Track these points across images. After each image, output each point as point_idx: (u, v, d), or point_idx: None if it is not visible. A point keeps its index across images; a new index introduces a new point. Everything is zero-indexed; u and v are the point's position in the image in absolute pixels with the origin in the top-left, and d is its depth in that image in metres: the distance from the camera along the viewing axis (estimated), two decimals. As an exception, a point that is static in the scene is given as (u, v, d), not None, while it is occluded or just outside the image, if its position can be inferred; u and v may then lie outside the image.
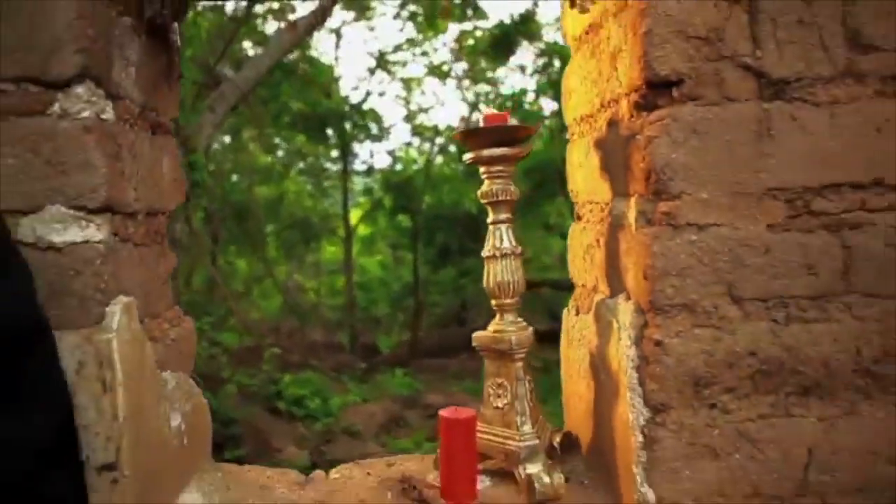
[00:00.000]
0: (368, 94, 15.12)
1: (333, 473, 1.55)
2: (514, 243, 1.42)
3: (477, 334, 1.45)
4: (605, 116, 1.37)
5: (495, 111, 1.42)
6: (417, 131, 14.68)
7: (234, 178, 12.37)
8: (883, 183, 1.18)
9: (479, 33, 12.17)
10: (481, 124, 1.41)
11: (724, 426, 1.18)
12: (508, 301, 1.42)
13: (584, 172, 1.52)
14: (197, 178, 7.19)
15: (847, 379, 1.19)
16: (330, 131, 12.95)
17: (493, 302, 1.44)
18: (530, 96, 12.28)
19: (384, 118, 16.52)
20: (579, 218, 1.58)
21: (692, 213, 1.15)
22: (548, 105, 11.70)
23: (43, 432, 0.78)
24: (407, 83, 14.28)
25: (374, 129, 14.16)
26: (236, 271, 13.46)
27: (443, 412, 1.37)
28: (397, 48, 13.44)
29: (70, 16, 1.04)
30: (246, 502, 1.38)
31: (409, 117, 14.64)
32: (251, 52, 10.40)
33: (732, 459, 1.18)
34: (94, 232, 1.07)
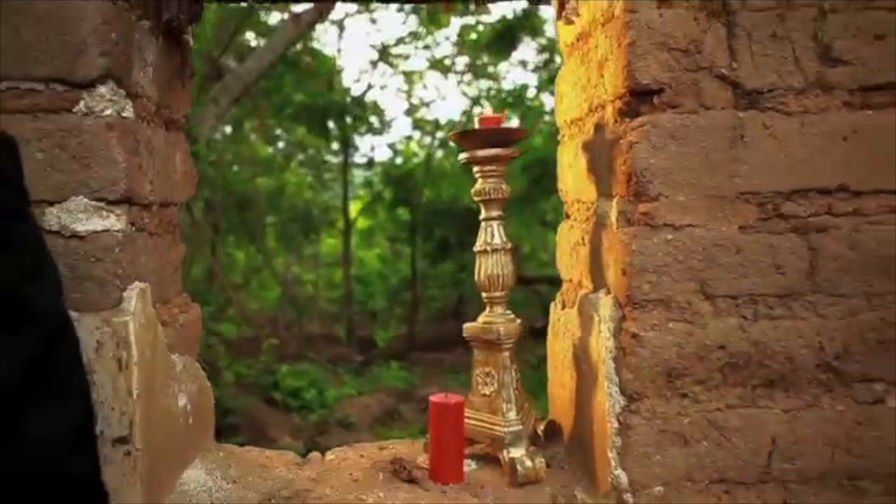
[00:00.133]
0: (370, 86, 15.16)
1: (329, 455, 1.63)
2: (504, 239, 1.50)
3: (468, 325, 1.53)
4: (593, 121, 1.45)
5: (491, 113, 1.50)
6: (418, 125, 14.73)
7: (235, 168, 12.42)
8: (848, 189, 1.26)
9: (481, 28, 12.22)
10: (476, 125, 1.49)
11: (694, 415, 1.26)
12: (498, 294, 1.51)
13: (572, 173, 1.61)
14: (198, 168, 7.25)
15: (810, 373, 1.27)
16: (331, 124, 12.98)
17: (484, 294, 1.52)
18: (531, 92, 12.36)
19: (385, 111, 16.55)
20: (567, 216, 1.67)
21: (669, 215, 1.24)
22: (549, 101, 11.78)
23: (79, 415, 0.85)
24: (409, 76, 14.33)
25: (375, 122, 14.21)
26: (235, 262, 13.52)
27: (433, 398, 1.46)
28: (399, 41, 13.47)
29: (96, 21, 1.13)
30: (247, 479, 1.46)
31: (411, 111, 14.69)
32: (254, 44, 10.45)
33: (701, 446, 1.26)
34: (114, 221, 1.16)
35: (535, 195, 9.48)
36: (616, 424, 1.27)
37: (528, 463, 1.42)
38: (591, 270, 1.45)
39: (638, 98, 1.24)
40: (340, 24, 13.05)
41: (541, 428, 1.58)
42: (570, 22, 1.44)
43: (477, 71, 13.41)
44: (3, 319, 0.73)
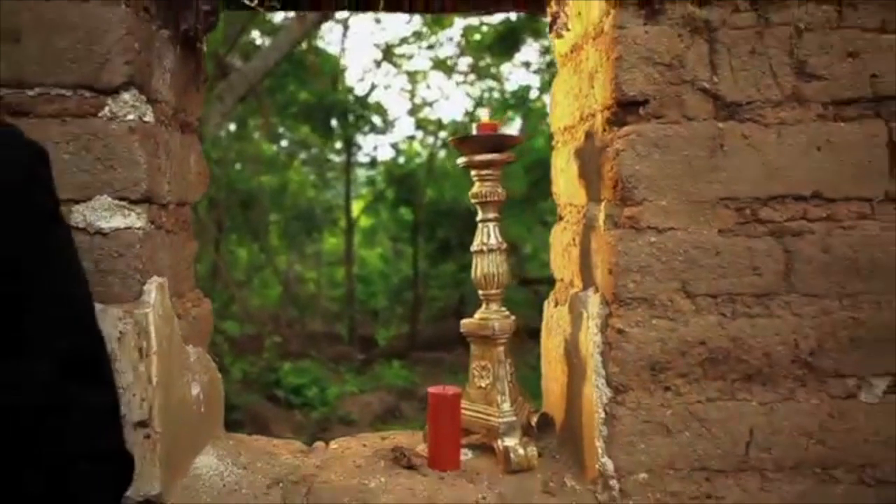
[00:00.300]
0: (374, 86, 15.21)
1: (333, 444, 1.70)
2: (499, 240, 1.58)
3: (464, 321, 1.61)
4: (584, 128, 1.53)
5: (489, 120, 1.58)
6: (421, 125, 14.78)
7: (238, 166, 12.50)
8: (822, 196, 1.34)
9: (484, 29, 12.29)
10: (474, 132, 1.57)
11: (676, 407, 1.33)
12: (493, 291, 1.59)
13: (565, 177, 1.69)
14: (205, 167, 7.33)
15: (786, 369, 1.34)
16: (335, 123, 13.05)
17: (480, 292, 1.60)
18: (534, 93, 12.42)
19: (388, 111, 16.61)
20: (561, 218, 1.75)
21: (653, 218, 1.32)
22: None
23: (112, 397, 0.93)
24: (412, 76, 14.38)
25: (378, 121, 14.27)
26: (237, 260, 13.59)
27: (432, 389, 1.54)
28: (403, 41, 13.53)
29: (121, 32, 1.22)
30: (256, 465, 1.53)
31: (414, 111, 14.74)
32: (259, 42, 10.53)
33: (683, 436, 1.34)
34: (135, 220, 1.24)
35: (535, 196, 9.53)
36: (603, 415, 1.35)
37: (521, 451, 1.49)
38: (581, 270, 1.53)
39: (625, 109, 1.32)
40: (345, 24, 13.12)
41: (534, 420, 1.65)
42: (559, 36, 1.52)
43: (480, 72, 13.46)
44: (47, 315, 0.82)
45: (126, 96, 1.23)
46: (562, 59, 1.72)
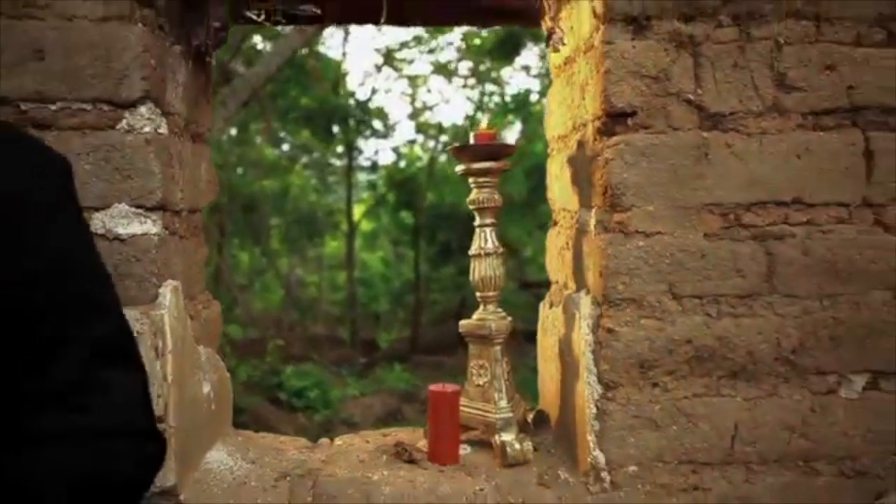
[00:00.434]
0: (375, 90, 15.27)
1: (337, 441, 1.77)
2: (496, 244, 1.65)
3: (463, 322, 1.68)
4: (576, 137, 1.59)
5: (488, 128, 1.64)
6: (422, 129, 14.83)
7: (240, 171, 12.56)
8: (802, 201, 1.40)
9: (484, 33, 12.34)
10: (472, 141, 1.64)
11: (664, 402, 1.40)
12: (490, 293, 1.65)
13: (559, 184, 1.76)
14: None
15: (769, 366, 1.41)
16: (336, 127, 13.10)
17: (478, 294, 1.67)
18: (534, 97, 12.49)
19: (389, 115, 16.68)
20: (555, 223, 1.81)
21: (641, 223, 1.38)
22: (550, 108, 11.84)
23: (144, 381, 1.00)
24: (413, 81, 14.44)
25: (378, 126, 14.33)
26: (239, 263, 13.66)
27: (432, 387, 1.60)
28: (404, 45, 13.59)
29: (138, 49, 1.29)
30: (264, 460, 1.60)
31: (414, 115, 14.81)
32: (261, 47, 10.61)
33: (671, 430, 1.40)
34: (151, 226, 1.32)
35: (535, 200, 9.57)
36: (594, 410, 1.41)
37: (517, 446, 1.56)
38: (574, 273, 1.60)
39: (614, 119, 1.39)
40: (346, 29, 13.19)
41: (530, 417, 1.72)
42: (556, 50, 1.59)
43: (480, 76, 13.52)
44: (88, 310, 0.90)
45: (142, 110, 1.30)
46: (556, 70, 1.79)
